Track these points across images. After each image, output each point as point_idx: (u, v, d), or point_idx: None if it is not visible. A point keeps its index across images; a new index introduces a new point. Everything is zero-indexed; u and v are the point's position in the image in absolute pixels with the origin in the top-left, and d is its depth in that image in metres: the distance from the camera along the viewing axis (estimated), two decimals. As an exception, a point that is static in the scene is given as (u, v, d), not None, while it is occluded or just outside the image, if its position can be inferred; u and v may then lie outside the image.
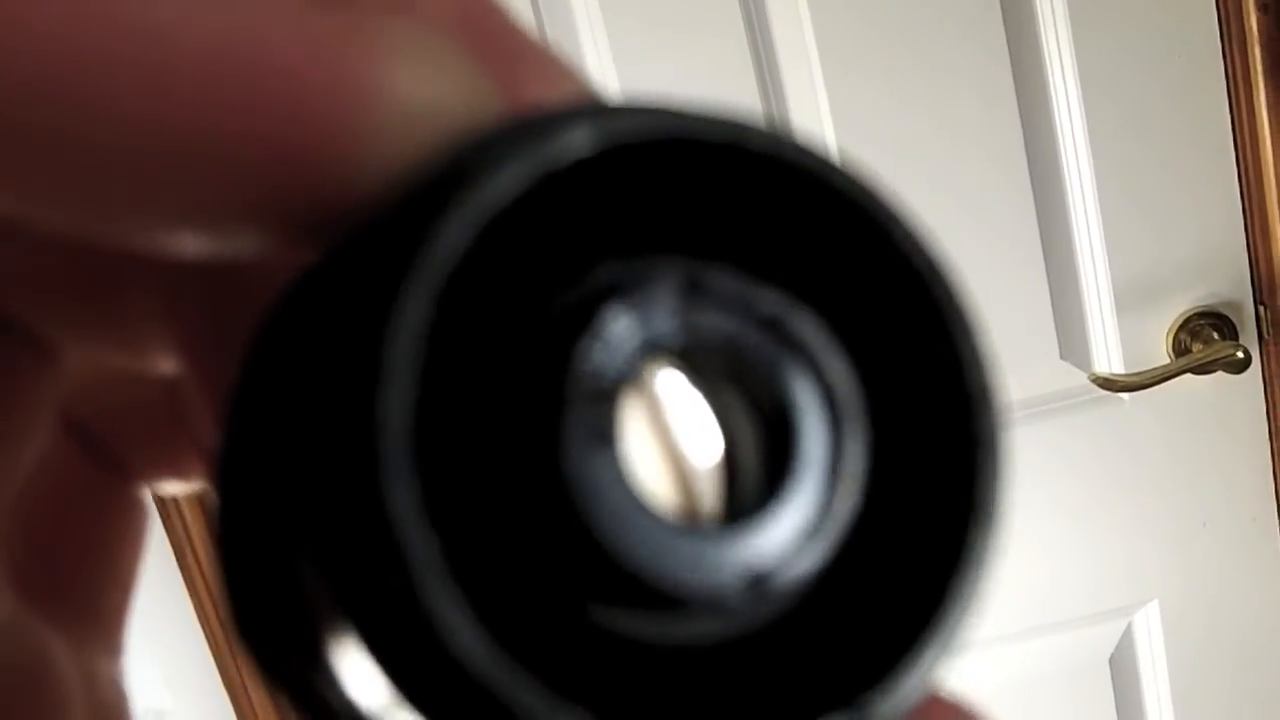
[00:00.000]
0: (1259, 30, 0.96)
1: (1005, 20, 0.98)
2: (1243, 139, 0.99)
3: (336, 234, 0.08)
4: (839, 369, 0.09)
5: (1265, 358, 1.04)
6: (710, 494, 0.10)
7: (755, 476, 0.10)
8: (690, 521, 0.09)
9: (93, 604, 0.14)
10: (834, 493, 0.09)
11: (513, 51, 0.10)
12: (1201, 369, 1.01)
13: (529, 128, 0.08)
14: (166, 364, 0.12)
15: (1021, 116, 0.99)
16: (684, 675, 0.09)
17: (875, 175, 0.09)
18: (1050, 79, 0.99)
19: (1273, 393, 1.05)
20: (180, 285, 0.11)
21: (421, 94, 0.08)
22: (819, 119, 0.99)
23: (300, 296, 0.09)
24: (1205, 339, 1.03)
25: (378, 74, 0.08)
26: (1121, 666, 1.14)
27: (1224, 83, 0.99)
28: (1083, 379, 1.03)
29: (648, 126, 0.09)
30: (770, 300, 0.09)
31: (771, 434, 0.09)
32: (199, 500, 0.97)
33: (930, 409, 0.10)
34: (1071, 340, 1.04)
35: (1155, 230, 1.01)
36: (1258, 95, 0.97)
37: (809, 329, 0.09)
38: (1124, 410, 1.06)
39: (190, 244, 0.08)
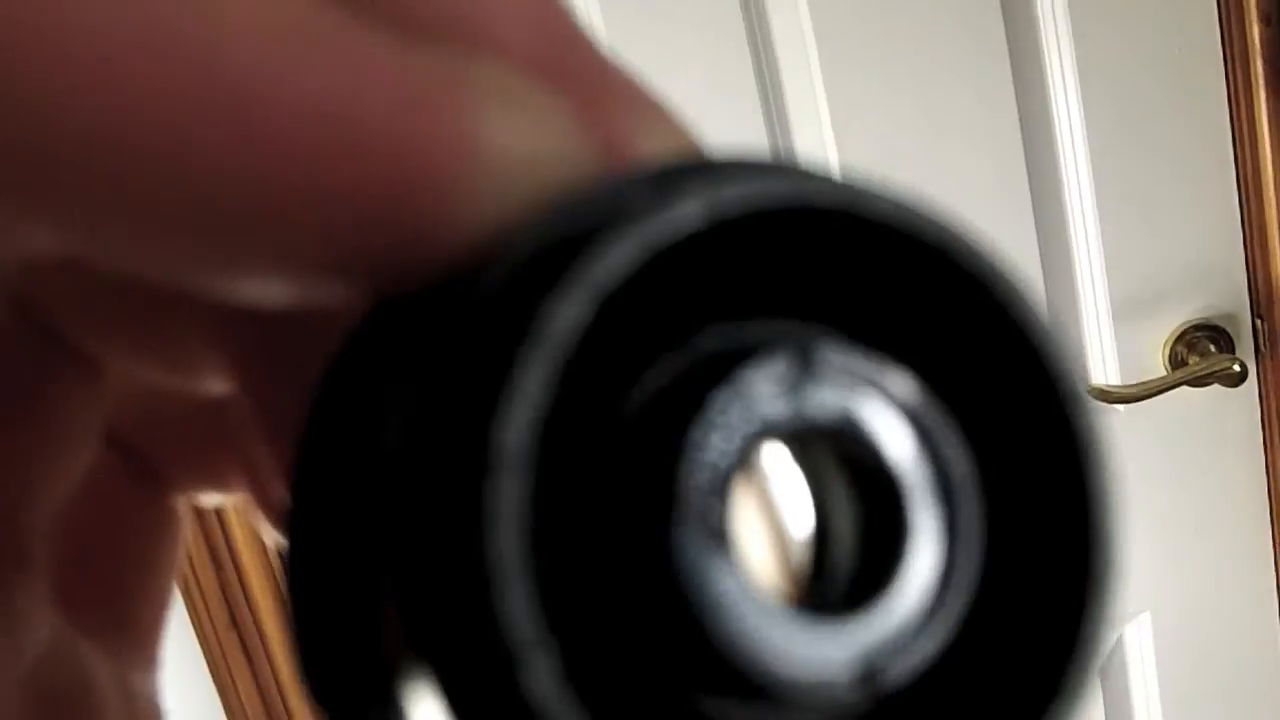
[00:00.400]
0: (1261, 42, 0.96)
1: (1006, 28, 0.97)
2: (1243, 151, 0.99)
3: (425, 285, 0.08)
4: (954, 447, 0.09)
5: (1262, 372, 1.04)
6: (810, 581, 0.09)
7: (858, 564, 0.09)
8: (809, 614, 0.09)
9: (131, 618, 0.14)
10: (950, 582, 0.09)
11: (601, 87, 0.09)
12: (1198, 382, 1.00)
13: (636, 196, 0.08)
14: (215, 385, 0.12)
15: (1021, 126, 0.99)
16: None
17: (995, 251, 0.09)
18: (1051, 89, 0.98)
19: (1268, 407, 1.05)
20: (243, 316, 0.11)
21: (518, 147, 0.08)
22: (818, 123, 0.99)
23: (388, 348, 0.09)
24: (1202, 352, 1.02)
25: (474, 126, 0.08)
26: (1112, 677, 1.14)
27: (1225, 94, 0.98)
28: (1078, 390, 1.03)
29: (761, 195, 0.08)
30: (889, 377, 0.09)
31: (888, 521, 0.09)
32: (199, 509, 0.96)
33: (1042, 490, 0.09)
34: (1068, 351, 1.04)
35: (1153, 242, 1.01)
36: (1259, 107, 0.97)
37: (923, 405, 0.09)
38: (1119, 422, 1.06)
39: (273, 294, 0.08)
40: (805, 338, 0.09)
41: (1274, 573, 1.10)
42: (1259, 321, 1.03)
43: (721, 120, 0.97)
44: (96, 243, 0.08)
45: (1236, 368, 0.99)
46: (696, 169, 0.08)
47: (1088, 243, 1.01)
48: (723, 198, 0.08)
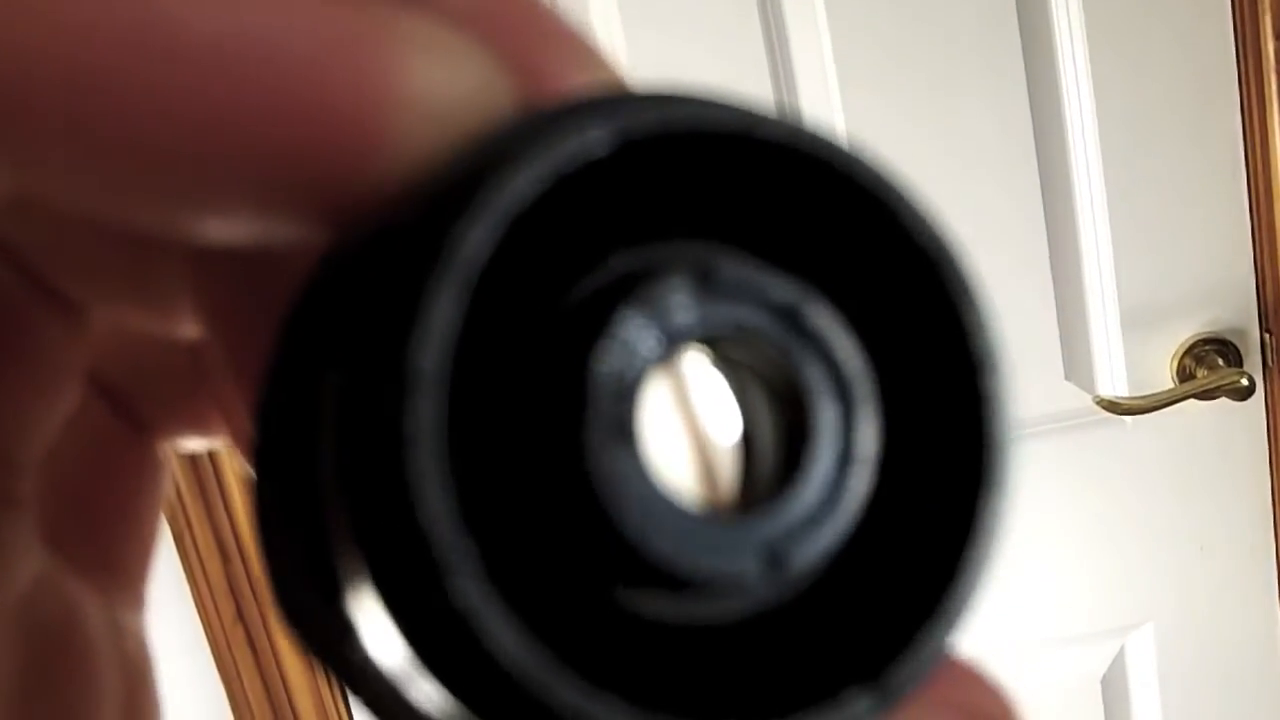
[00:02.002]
0: (1275, 58, 0.96)
1: (1022, 40, 0.98)
2: (1255, 167, 0.99)
3: (361, 224, 0.09)
4: (851, 353, 0.10)
5: (1269, 386, 1.04)
6: (731, 477, 0.10)
7: (773, 460, 0.10)
8: (710, 506, 0.10)
9: (118, 557, 0.15)
10: (848, 473, 0.10)
11: (534, 34, 0.10)
12: (1205, 395, 1.01)
13: (545, 126, 0.08)
14: (190, 329, 0.13)
15: (1035, 136, 0.99)
16: (709, 655, 0.09)
17: (884, 160, 0.10)
18: (1065, 100, 0.99)
19: (1275, 421, 1.05)
20: (207, 259, 0.12)
21: (437, 90, 0.08)
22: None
23: (331, 286, 0.09)
24: (1210, 365, 1.03)
25: (395, 71, 0.08)
26: (1113, 687, 1.14)
27: (1238, 109, 0.99)
28: (1087, 400, 1.03)
29: (662, 120, 0.09)
30: (781, 287, 0.09)
31: (787, 418, 0.10)
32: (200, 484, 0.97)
33: (939, 387, 0.10)
34: (1077, 361, 1.04)
35: (1164, 255, 1.02)
36: (1271, 122, 0.97)
37: (821, 314, 0.10)
38: (1126, 433, 1.06)
39: (218, 230, 0.08)
40: (708, 255, 0.09)
41: (1277, 586, 1.10)
42: (1267, 336, 1.03)
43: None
44: (49, 181, 0.08)
45: (1244, 382, 0.99)
46: (609, 100, 0.09)
47: (1098, 253, 1.01)
48: (626, 124, 0.08)
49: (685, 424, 0.10)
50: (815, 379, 0.10)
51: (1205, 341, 1.03)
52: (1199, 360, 1.03)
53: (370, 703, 0.09)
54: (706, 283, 0.09)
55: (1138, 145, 0.99)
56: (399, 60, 0.08)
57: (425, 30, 0.08)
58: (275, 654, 1.05)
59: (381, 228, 0.08)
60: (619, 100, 0.09)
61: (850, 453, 0.10)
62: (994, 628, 1.06)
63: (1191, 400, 1.01)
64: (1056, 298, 1.03)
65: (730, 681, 0.09)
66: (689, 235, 0.10)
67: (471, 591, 0.08)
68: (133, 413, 0.15)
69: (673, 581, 0.09)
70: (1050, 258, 1.02)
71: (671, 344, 0.09)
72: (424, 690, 0.08)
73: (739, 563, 0.09)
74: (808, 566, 0.09)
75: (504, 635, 0.08)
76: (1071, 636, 1.12)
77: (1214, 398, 1.02)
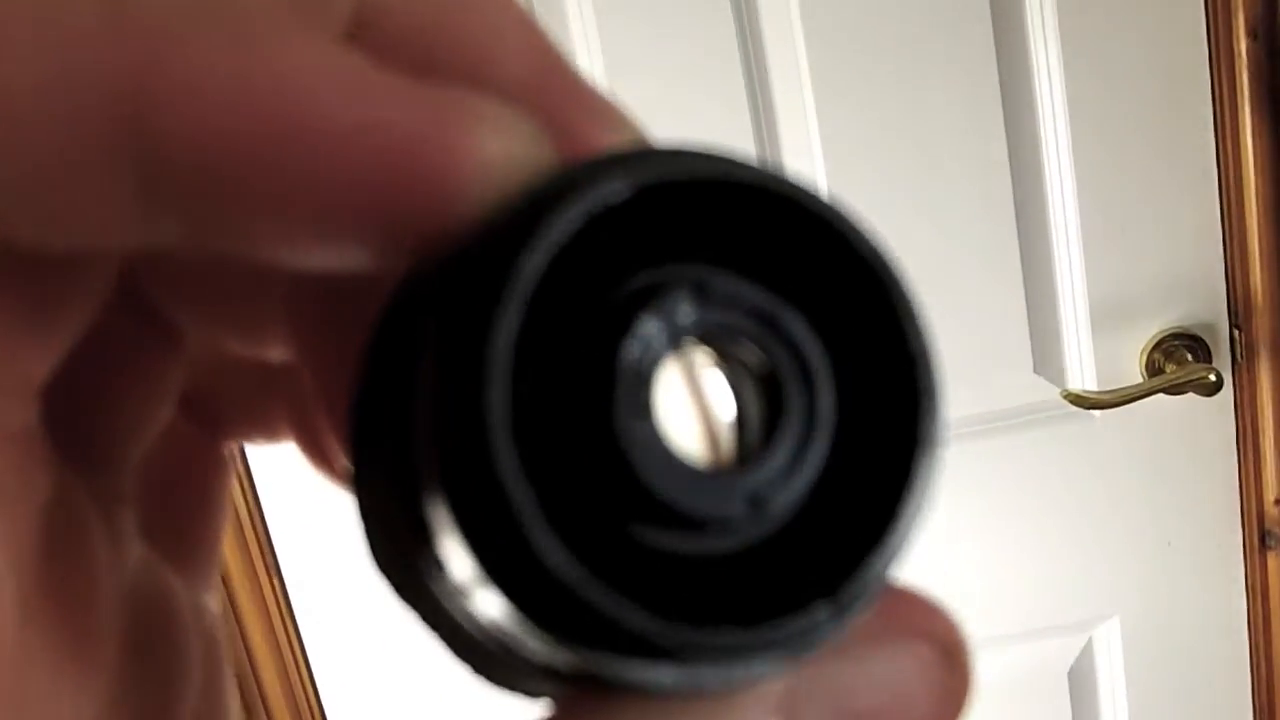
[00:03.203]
0: (1248, 56, 0.97)
1: (995, 34, 0.98)
2: (1226, 164, 1.00)
3: (437, 254, 0.12)
4: (814, 347, 0.13)
5: (1237, 382, 1.05)
6: (725, 441, 0.13)
7: (756, 428, 0.13)
8: (710, 464, 0.13)
9: (194, 547, 0.18)
10: (812, 439, 0.13)
11: (573, 104, 0.13)
12: (1174, 390, 1.01)
13: (579, 178, 0.11)
14: (278, 353, 0.16)
15: (1007, 131, 1.00)
16: (705, 578, 0.12)
17: (842, 199, 0.13)
18: (1037, 95, 0.99)
19: (1243, 417, 1.06)
20: (303, 289, 0.15)
21: (498, 153, 0.11)
22: (807, 137, 0.99)
23: (416, 298, 0.12)
24: (1179, 360, 1.03)
25: (467, 139, 0.11)
26: (1080, 680, 1.15)
27: (1210, 106, 0.99)
28: (1055, 394, 1.03)
29: (668, 172, 0.12)
30: (761, 297, 0.13)
31: (766, 397, 0.13)
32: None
33: (884, 372, 0.13)
34: (1046, 355, 1.05)
35: (1134, 249, 1.02)
36: (1243, 120, 0.98)
37: (791, 318, 0.13)
38: (1094, 427, 1.07)
39: (327, 259, 0.11)
40: (705, 274, 0.13)
41: (1244, 580, 1.11)
42: (1236, 332, 1.03)
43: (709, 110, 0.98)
44: (205, 231, 0.11)
45: (1212, 377, 0.99)
46: (628, 156, 0.12)
47: (1069, 247, 1.02)
48: (641, 175, 0.12)
49: (690, 400, 0.13)
50: (786, 367, 0.13)
51: (1174, 337, 1.04)
52: (1168, 355, 1.04)
53: (444, 626, 0.13)
54: (704, 295, 0.12)
55: (1109, 139, 0.99)
56: (471, 131, 0.11)
57: (490, 108, 0.11)
58: (246, 641, 1.06)
59: (458, 256, 0.11)
60: (636, 155, 0.12)
61: (813, 423, 0.13)
62: (962, 620, 1.06)
63: (1160, 395, 1.02)
64: (1026, 291, 1.03)
65: (722, 599, 0.12)
66: (690, 258, 0.13)
67: (532, 523, 0.11)
68: (210, 417, 0.18)
69: (679, 520, 0.12)
70: (1020, 250, 1.02)
71: (678, 340, 0.12)
72: (489, 600, 0.11)
73: (730, 507, 0.12)
74: (782, 509, 0.12)
75: (556, 555, 0.11)
76: (1039, 629, 1.12)
77: (1182, 393, 1.02)
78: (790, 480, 0.12)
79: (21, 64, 0.10)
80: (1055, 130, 0.99)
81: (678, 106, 0.98)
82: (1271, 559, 1.09)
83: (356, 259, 0.11)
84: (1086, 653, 1.14)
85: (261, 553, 1.06)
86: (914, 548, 0.12)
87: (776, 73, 0.99)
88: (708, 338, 0.13)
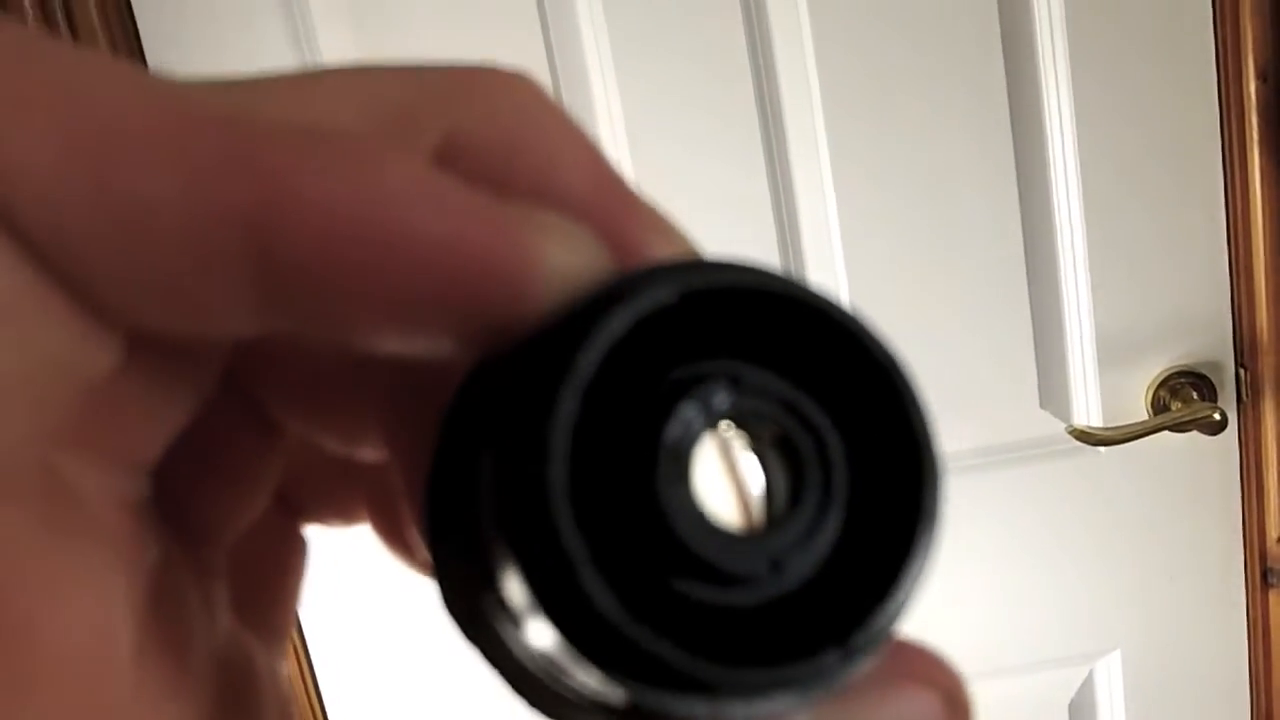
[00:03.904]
0: (1257, 98, 0.97)
1: (1006, 69, 0.99)
2: (1234, 204, 1.00)
3: (503, 349, 0.13)
4: (830, 431, 0.15)
5: (1242, 420, 1.05)
6: (753, 509, 0.15)
7: (779, 499, 0.15)
8: (740, 528, 0.14)
9: (273, 619, 0.19)
10: (827, 508, 0.14)
11: (628, 218, 0.15)
12: (1178, 427, 1.02)
13: (631, 285, 0.13)
14: (368, 453, 0.18)
15: (1017, 167, 1.00)
16: (734, 625, 0.14)
17: (861, 311, 0.14)
18: (1048, 133, 1.00)
19: (1247, 456, 1.06)
20: (387, 389, 0.16)
21: (561, 261, 0.13)
22: (818, 167, 1.00)
23: (484, 389, 0.14)
24: (1184, 398, 1.04)
25: (534, 249, 0.13)
26: (1081, 712, 1.15)
27: (1219, 147, 1.00)
28: (1060, 429, 1.04)
29: (709, 281, 0.14)
30: (786, 389, 0.15)
31: (789, 472, 0.15)
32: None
33: (893, 454, 0.15)
34: (1052, 390, 1.05)
35: (1142, 287, 1.03)
36: (1252, 162, 0.99)
37: (812, 406, 0.15)
38: (1099, 462, 1.07)
39: (411, 347, 0.13)
40: (738, 368, 0.15)
41: (1245, 616, 1.11)
42: (1242, 371, 1.04)
43: (728, 173, 0.99)
44: (315, 322, 0.12)
45: (1217, 416, 1.00)
46: (675, 266, 0.14)
47: (1076, 283, 1.02)
48: (686, 283, 0.13)
49: (724, 473, 0.14)
50: (807, 449, 0.15)
51: (1180, 374, 1.04)
52: (1174, 393, 1.04)
53: (508, 664, 0.14)
54: (737, 385, 0.14)
55: (1118, 177, 1.00)
56: (537, 242, 0.13)
57: (553, 222, 0.13)
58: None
59: (523, 351, 0.13)
60: (682, 266, 0.14)
61: (829, 496, 0.15)
62: (964, 652, 1.07)
63: (1165, 433, 1.02)
64: (1034, 326, 1.04)
65: (748, 643, 0.14)
66: (727, 354, 0.15)
67: (585, 572, 0.12)
68: (293, 502, 0.20)
69: (712, 575, 0.14)
70: (1028, 286, 1.03)
71: (714, 423, 0.14)
72: (548, 637, 0.13)
73: (755, 566, 0.14)
74: (801, 569, 0.14)
75: (605, 599, 0.12)
76: (1041, 661, 1.13)
77: (1187, 431, 1.03)
78: (808, 544, 0.14)
79: (156, 185, 0.11)
80: (1065, 167, 1.00)
81: (692, 135, 0.98)
82: (1273, 596, 1.09)
83: (440, 347, 0.13)
84: (1088, 685, 1.14)
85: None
86: (917, 603, 0.14)
87: (786, 87, 0.99)
88: (740, 421, 0.14)
